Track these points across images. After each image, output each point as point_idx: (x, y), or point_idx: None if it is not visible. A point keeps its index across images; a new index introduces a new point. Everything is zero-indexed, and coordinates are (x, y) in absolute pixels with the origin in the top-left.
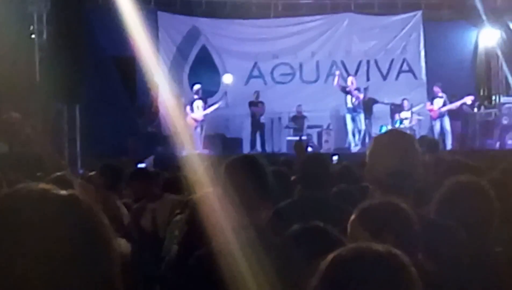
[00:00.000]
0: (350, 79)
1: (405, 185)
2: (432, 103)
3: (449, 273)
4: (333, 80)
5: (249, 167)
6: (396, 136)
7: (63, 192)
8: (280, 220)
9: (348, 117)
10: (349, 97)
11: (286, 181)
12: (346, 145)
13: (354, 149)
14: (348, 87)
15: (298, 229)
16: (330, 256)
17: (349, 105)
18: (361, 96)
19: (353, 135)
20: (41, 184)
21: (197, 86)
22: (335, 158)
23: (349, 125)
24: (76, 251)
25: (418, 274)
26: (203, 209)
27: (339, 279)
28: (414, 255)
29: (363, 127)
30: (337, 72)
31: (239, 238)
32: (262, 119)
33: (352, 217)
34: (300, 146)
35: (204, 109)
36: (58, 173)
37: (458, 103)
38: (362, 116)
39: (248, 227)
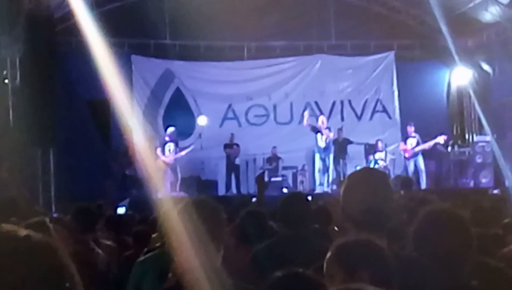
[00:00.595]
0: (321, 118)
1: (379, 222)
2: (405, 143)
3: None
4: (305, 120)
5: (200, 210)
6: (369, 174)
7: (21, 234)
8: (260, 262)
9: (317, 157)
10: (319, 135)
11: (261, 220)
12: (313, 185)
13: (320, 189)
14: (318, 126)
15: (278, 277)
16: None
17: (320, 144)
18: (331, 135)
19: (321, 174)
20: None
21: (170, 129)
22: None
23: (317, 164)
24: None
25: None
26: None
27: None
28: None
29: (331, 167)
30: (306, 113)
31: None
32: (237, 161)
33: (328, 254)
34: (260, 178)
35: (176, 152)
36: (36, 219)
37: (431, 143)
38: (331, 156)
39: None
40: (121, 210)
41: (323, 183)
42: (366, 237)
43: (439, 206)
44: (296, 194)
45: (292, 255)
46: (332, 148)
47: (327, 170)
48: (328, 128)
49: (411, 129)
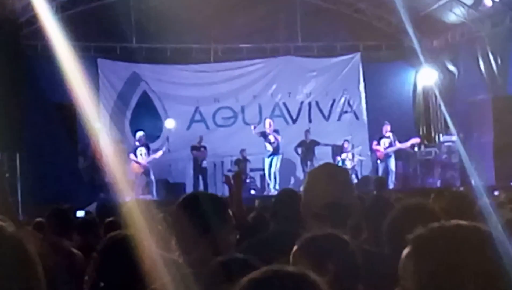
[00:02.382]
0: (267, 121)
1: (340, 216)
2: (378, 143)
3: None
4: (257, 133)
5: (187, 207)
6: (330, 169)
7: None
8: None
9: (267, 161)
10: (267, 140)
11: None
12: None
13: (273, 192)
14: (266, 131)
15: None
16: (245, 279)
17: (268, 148)
18: (279, 138)
19: (270, 178)
20: None
21: (139, 133)
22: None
23: (266, 169)
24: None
25: None
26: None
27: None
28: (355, 286)
29: (277, 169)
30: (252, 127)
31: (175, 279)
32: (204, 164)
33: (295, 248)
34: (228, 179)
35: (148, 155)
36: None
37: (408, 144)
38: (279, 158)
39: (183, 265)
40: (80, 213)
41: (270, 187)
42: (332, 231)
43: (413, 200)
44: (289, 192)
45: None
46: (279, 151)
47: (271, 174)
48: (276, 130)
49: (386, 128)
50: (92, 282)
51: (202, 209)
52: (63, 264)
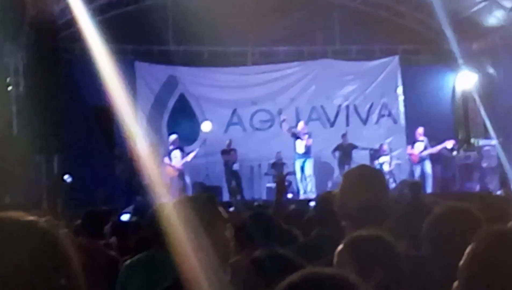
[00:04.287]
0: (300, 124)
1: (375, 219)
2: (413, 147)
3: None
4: (284, 126)
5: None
6: (365, 171)
7: (23, 218)
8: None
9: (297, 164)
10: (298, 141)
11: (268, 222)
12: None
13: (309, 195)
14: (297, 132)
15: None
16: (283, 283)
17: (298, 150)
18: (311, 141)
19: (302, 181)
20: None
21: (173, 137)
22: (312, 204)
23: (298, 173)
24: (35, 273)
25: None
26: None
27: None
28: None
29: (311, 173)
30: (282, 117)
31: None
32: (235, 167)
33: (340, 247)
34: (280, 181)
35: (182, 158)
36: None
37: (439, 147)
38: (311, 161)
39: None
40: (125, 217)
41: (307, 191)
42: (379, 233)
43: (455, 204)
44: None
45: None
46: (310, 154)
47: (305, 178)
48: (308, 133)
49: (420, 131)
50: None
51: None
52: (95, 263)
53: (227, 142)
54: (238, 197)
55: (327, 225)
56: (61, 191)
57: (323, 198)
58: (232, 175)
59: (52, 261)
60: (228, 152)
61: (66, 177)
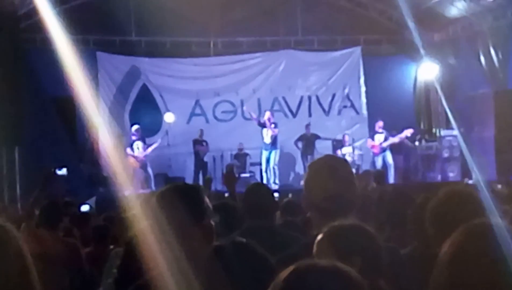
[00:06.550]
0: (267, 114)
1: (342, 209)
2: (373, 139)
3: None
4: (250, 114)
5: (180, 196)
6: (331, 161)
7: None
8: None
9: (264, 155)
10: (265, 130)
11: (233, 213)
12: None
13: (273, 186)
14: (263, 121)
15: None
16: (279, 279)
17: (265, 140)
18: (276, 131)
19: (267, 172)
20: None
21: (135, 127)
22: (275, 195)
23: (264, 163)
24: None
25: None
26: (138, 242)
27: None
28: (376, 281)
29: (276, 163)
30: (245, 108)
31: (173, 267)
32: (205, 158)
33: (320, 236)
34: (230, 172)
35: (144, 149)
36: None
37: (399, 137)
38: (277, 152)
39: (181, 256)
40: (85, 208)
41: (270, 182)
42: (359, 223)
43: (458, 186)
44: (257, 186)
45: (259, 245)
46: (276, 145)
47: (269, 169)
48: (274, 123)
49: (379, 124)
50: None
51: (182, 199)
52: (55, 253)
53: (199, 132)
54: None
55: (257, 217)
56: (21, 183)
57: (251, 190)
58: (201, 166)
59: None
60: (200, 142)
61: (61, 170)
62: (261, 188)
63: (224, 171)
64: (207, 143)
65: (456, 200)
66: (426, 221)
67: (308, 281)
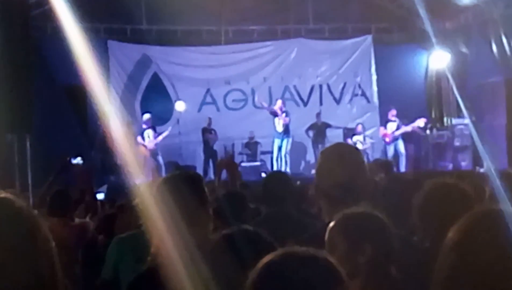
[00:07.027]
0: (278, 102)
1: (353, 197)
2: (385, 127)
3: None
4: (261, 103)
5: (183, 183)
6: (342, 149)
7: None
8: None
9: (276, 143)
10: (276, 119)
11: (241, 201)
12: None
13: None
14: (275, 110)
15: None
16: (260, 263)
17: (278, 128)
18: (287, 120)
19: (278, 160)
20: None
21: (146, 116)
22: None
23: (275, 152)
24: (12, 245)
25: None
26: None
27: (269, 284)
28: (388, 269)
29: (287, 151)
30: (256, 98)
31: (181, 253)
32: (215, 147)
33: (332, 224)
34: (230, 160)
35: (155, 137)
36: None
37: (412, 126)
38: (289, 141)
39: (190, 241)
40: (100, 196)
41: (286, 170)
42: (371, 211)
43: (444, 180)
44: (276, 175)
45: (278, 232)
46: (289, 133)
47: (281, 157)
48: (285, 112)
49: (392, 113)
50: None
51: (183, 188)
52: (64, 238)
53: (207, 121)
54: (212, 177)
55: (274, 204)
56: (32, 170)
57: (270, 178)
58: (211, 154)
59: (29, 239)
60: (209, 131)
61: (75, 159)
62: (282, 176)
63: (224, 157)
64: (215, 132)
65: (442, 192)
66: (412, 214)
67: (286, 269)
